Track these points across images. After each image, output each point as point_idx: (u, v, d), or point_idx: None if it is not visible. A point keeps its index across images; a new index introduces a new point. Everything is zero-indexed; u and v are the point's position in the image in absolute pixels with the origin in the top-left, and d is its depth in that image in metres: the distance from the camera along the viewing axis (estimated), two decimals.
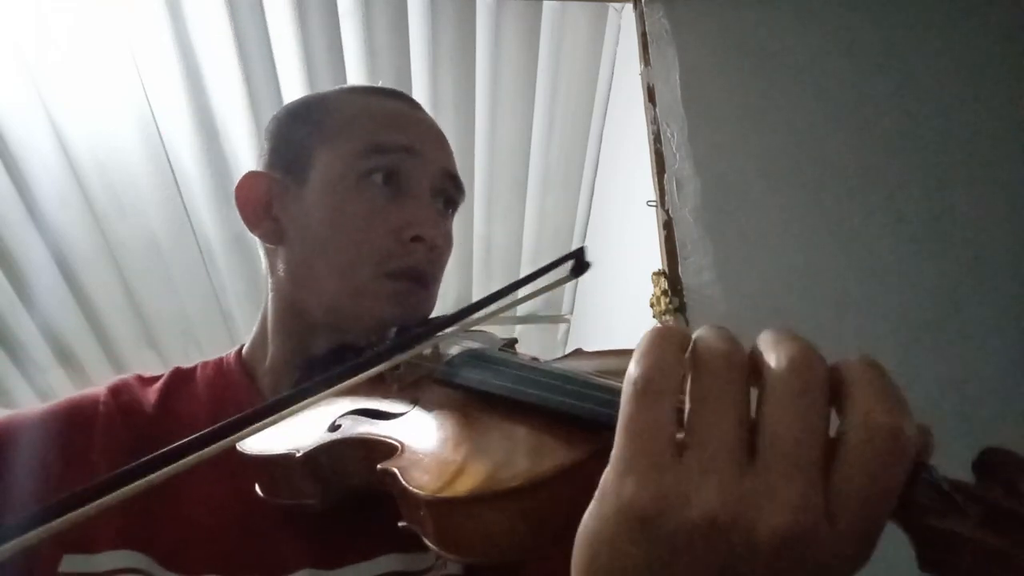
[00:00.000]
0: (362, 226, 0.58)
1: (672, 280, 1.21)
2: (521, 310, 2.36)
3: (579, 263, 0.50)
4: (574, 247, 2.22)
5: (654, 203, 1.29)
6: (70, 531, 0.47)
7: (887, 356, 0.28)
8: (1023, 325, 1.22)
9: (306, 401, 0.34)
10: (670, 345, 0.26)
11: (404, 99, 0.67)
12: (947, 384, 1.16)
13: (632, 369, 0.26)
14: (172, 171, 1.75)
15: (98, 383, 0.60)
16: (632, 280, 1.52)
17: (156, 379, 0.61)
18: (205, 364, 0.64)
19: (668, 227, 1.25)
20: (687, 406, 0.25)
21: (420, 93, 1.69)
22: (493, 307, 0.46)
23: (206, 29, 1.51)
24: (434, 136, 0.65)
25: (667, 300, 1.20)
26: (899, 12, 1.39)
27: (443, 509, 0.32)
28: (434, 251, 0.61)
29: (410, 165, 0.61)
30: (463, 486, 0.32)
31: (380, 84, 0.69)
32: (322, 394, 0.35)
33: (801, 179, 1.29)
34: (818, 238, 1.25)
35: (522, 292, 0.50)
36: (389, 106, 0.65)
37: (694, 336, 0.27)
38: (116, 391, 0.58)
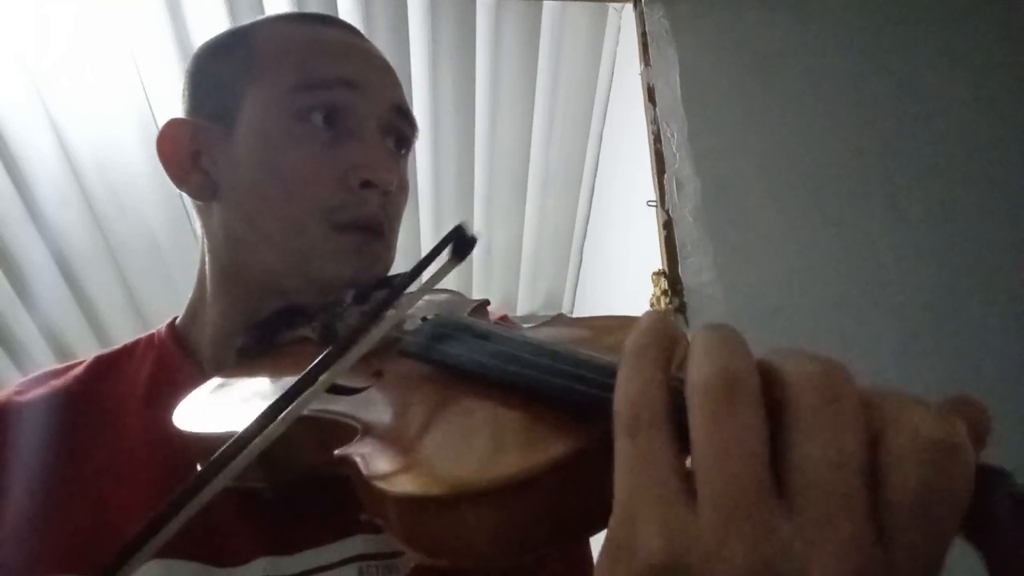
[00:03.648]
0: (303, 174, 0.52)
1: (672, 280, 1.21)
2: (520, 309, 2.36)
3: (459, 243, 0.42)
4: (574, 247, 2.23)
5: (654, 203, 1.29)
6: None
7: (887, 356, 0.27)
8: (1023, 325, 1.22)
9: (293, 406, 0.31)
10: (650, 367, 0.23)
11: (341, 25, 0.59)
12: (947, 384, 1.15)
13: (615, 402, 0.23)
14: None
15: None
16: (632, 280, 1.52)
17: (73, 366, 0.57)
18: (136, 342, 0.59)
19: (668, 227, 1.25)
20: (691, 436, 0.21)
21: (420, 93, 1.69)
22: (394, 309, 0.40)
23: (206, 29, 1.51)
24: (379, 66, 0.57)
25: (667, 300, 1.20)
26: (899, 12, 1.39)
27: (414, 508, 0.28)
28: (388, 197, 0.54)
29: (353, 100, 0.53)
30: (440, 481, 0.28)
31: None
32: (308, 393, 0.32)
33: (801, 179, 1.29)
34: (818, 238, 1.25)
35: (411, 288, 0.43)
36: (324, 34, 0.56)
37: (691, 343, 0.23)
38: (25, 389, 0.54)
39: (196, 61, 0.59)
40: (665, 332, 0.24)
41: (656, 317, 0.25)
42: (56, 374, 0.56)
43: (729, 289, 1.20)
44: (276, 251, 0.53)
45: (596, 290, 2.10)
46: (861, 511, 0.20)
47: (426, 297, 0.45)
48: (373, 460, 0.31)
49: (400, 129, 0.58)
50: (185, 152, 0.55)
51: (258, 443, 0.31)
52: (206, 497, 0.29)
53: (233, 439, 0.30)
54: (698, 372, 0.21)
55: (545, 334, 0.39)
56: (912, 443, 0.20)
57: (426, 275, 0.42)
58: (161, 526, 0.27)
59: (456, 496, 0.26)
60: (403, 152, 0.59)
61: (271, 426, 0.31)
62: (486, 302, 0.50)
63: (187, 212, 1.85)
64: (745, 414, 0.21)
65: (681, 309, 1.20)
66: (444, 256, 0.42)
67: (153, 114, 1.64)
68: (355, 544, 0.46)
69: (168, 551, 0.43)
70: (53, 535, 0.45)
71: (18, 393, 0.53)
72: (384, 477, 0.29)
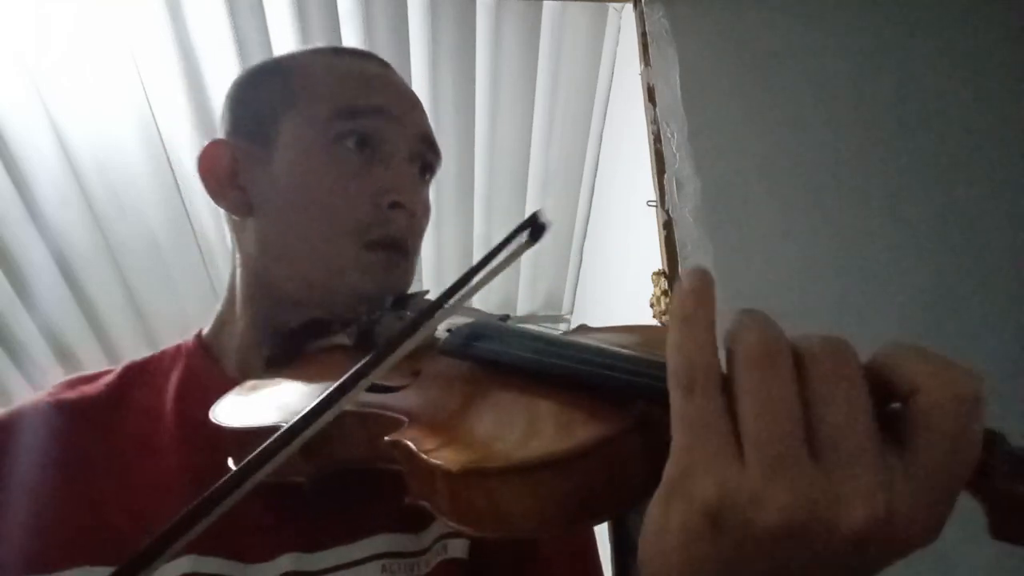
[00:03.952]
0: (337, 194, 0.55)
1: (672, 280, 1.21)
2: (520, 309, 2.36)
3: (535, 228, 0.46)
4: (574, 247, 2.23)
5: (654, 203, 1.29)
6: (28, 551, 0.45)
7: None
8: (1023, 325, 1.22)
9: (337, 403, 0.33)
10: (702, 331, 0.25)
11: (374, 59, 0.64)
12: None
13: (671, 361, 0.25)
14: (172, 171, 1.75)
15: None
16: (632, 280, 1.52)
17: (103, 374, 0.59)
18: (163, 352, 0.62)
19: (668, 227, 1.25)
20: (737, 399, 0.25)
21: (420, 93, 1.68)
22: (466, 290, 0.43)
23: (206, 29, 1.51)
24: (408, 98, 0.62)
25: (667, 300, 1.20)
26: (899, 12, 1.39)
27: (466, 482, 0.30)
28: (413, 218, 0.59)
29: (384, 129, 0.58)
30: (491, 455, 0.30)
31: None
32: (357, 388, 0.34)
33: (801, 179, 1.29)
34: (818, 238, 1.25)
35: (489, 268, 0.46)
36: (359, 67, 0.61)
37: (731, 324, 0.26)
38: (57, 394, 0.56)
39: (237, 86, 0.63)
40: (709, 296, 0.26)
41: (698, 278, 0.26)
42: (88, 380, 0.58)
43: (729, 289, 1.20)
44: (308, 264, 0.56)
45: (596, 290, 2.10)
46: (876, 460, 0.23)
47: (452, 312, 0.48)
48: (424, 441, 0.33)
49: (426, 157, 0.62)
50: (224, 170, 0.59)
51: (302, 437, 0.32)
52: (252, 485, 0.30)
53: (278, 433, 0.32)
54: (746, 343, 0.25)
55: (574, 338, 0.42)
56: (945, 403, 0.23)
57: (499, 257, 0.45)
58: (205, 513, 0.29)
59: (506, 468, 0.29)
60: (427, 178, 0.64)
61: (317, 421, 0.33)
62: (506, 317, 0.52)
63: (187, 212, 1.85)
64: (784, 378, 0.24)
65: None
66: (521, 239, 0.46)
67: (153, 114, 1.64)
68: (379, 543, 0.48)
69: (195, 547, 0.45)
70: (81, 531, 0.47)
71: (51, 396, 0.55)
72: (438, 454, 0.31)
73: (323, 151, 0.56)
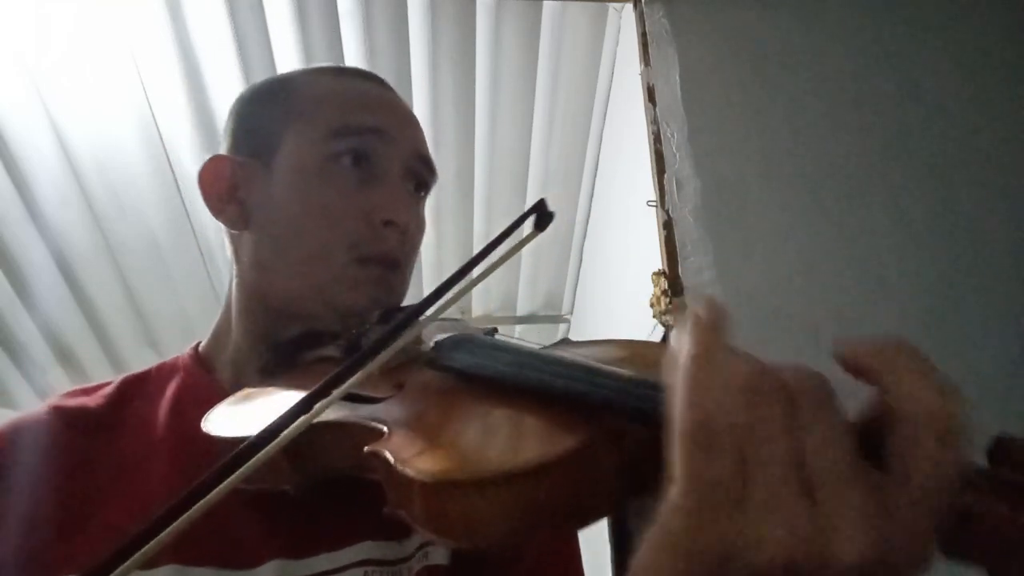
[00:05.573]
0: (331, 211, 0.56)
1: (672, 280, 1.21)
2: (520, 309, 2.36)
3: (541, 216, 0.49)
4: (574, 247, 2.22)
5: (654, 203, 1.29)
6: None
7: None
8: (1023, 325, 1.22)
9: (320, 404, 0.34)
10: (720, 378, 0.25)
11: (373, 79, 0.65)
12: None
13: (687, 414, 0.25)
14: (172, 171, 1.75)
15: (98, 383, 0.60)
16: (632, 280, 1.52)
17: (102, 386, 0.60)
18: (161, 365, 0.63)
19: (668, 227, 1.25)
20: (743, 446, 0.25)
21: (420, 93, 1.69)
22: (468, 279, 0.44)
23: (206, 29, 1.52)
24: (404, 117, 0.63)
25: (667, 300, 1.20)
26: (899, 12, 1.39)
27: (440, 493, 0.30)
28: (407, 235, 0.59)
29: (380, 147, 0.59)
30: (464, 468, 0.31)
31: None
32: (332, 396, 0.35)
33: (801, 179, 1.29)
34: (818, 238, 1.25)
35: (494, 257, 0.48)
36: (358, 87, 0.62)
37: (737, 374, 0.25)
38: (57, 404, 0.57)
39: (240, 103, 0.64)
40: (722, 330, 0.26)
41: (709, 312, 0.26)
42: (87, 392, 0.59)
43: (729, 289, 1.20)
44: (301, 278, 0.57)
45: (596, 290, 2.10)
46: (866, 489, 0.23)
47: (435, 324, 0.49)
48: (401, 452, 0.33)
49: (420, 174, 0.63)
50: (224, 185, 0.60)
51: (275, 444, 0.33)
52: (225, 491, 0.31)
53: (248, 442, 0.32)
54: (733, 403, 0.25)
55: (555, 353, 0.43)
56: (939, 448, 0.23)
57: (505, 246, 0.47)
58: (182, 511, 0.29)
59: (478, 479, 0.29)
60: (422, 195, 0.65)
61: (287, 430, 0.34)
62: (494, 330, 0.52)
63: (187, 212, 1.85)
64: (776, 424, 0.24)
65: (681, 309, 1.20)
66: (526, 228, 0.47)
67: (153, 114, 1.64)
68: (362, 549, 0.49)
69: (183, 557, 0.46)
70: (76, 540, 0.47)
71: (50, 405, 0.57)
72: (412, 465, 0.32)
73: (320, 168, 0.57)
